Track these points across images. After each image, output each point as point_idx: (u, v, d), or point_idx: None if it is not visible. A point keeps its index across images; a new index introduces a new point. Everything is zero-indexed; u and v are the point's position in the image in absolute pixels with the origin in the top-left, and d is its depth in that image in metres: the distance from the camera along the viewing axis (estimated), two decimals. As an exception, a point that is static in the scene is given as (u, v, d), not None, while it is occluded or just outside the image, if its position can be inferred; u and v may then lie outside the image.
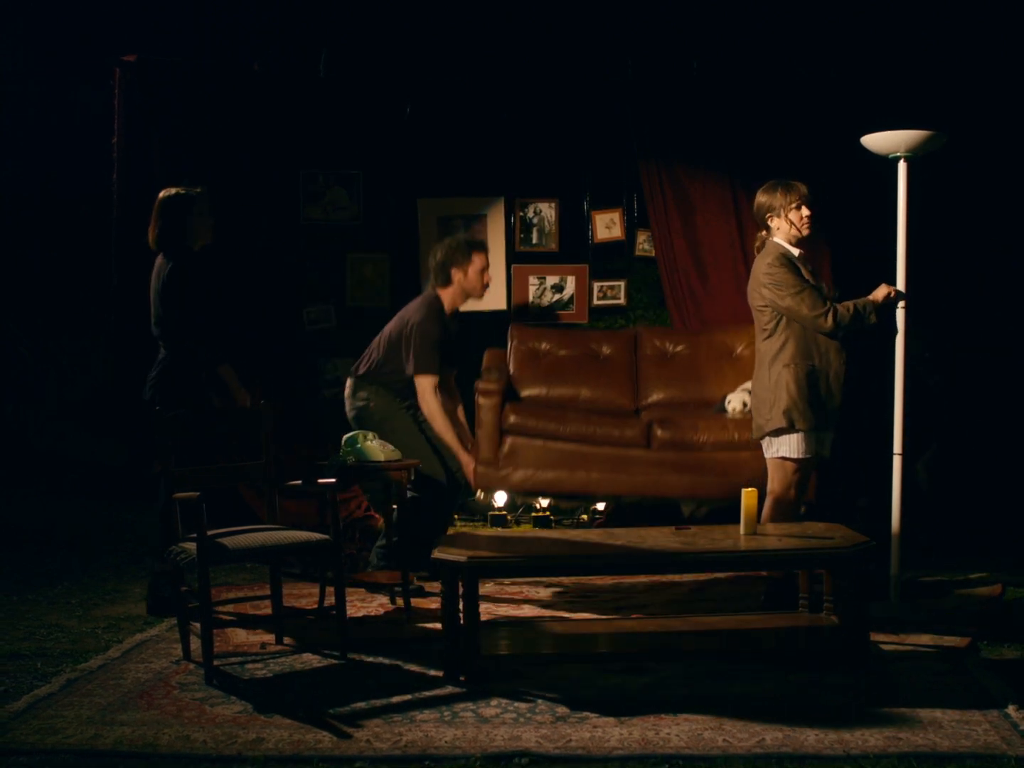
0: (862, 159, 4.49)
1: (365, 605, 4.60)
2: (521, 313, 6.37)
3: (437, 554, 3.56)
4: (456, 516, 6.01)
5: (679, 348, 5.68)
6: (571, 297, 6.43)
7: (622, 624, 4.18)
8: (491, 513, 6.14)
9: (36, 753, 2.96)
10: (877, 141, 4.29)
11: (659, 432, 5.11)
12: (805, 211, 4.30)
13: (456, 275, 5.10)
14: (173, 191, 4.54)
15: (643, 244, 6.40)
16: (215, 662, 3.62)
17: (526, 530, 5.97)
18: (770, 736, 3.01)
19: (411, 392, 5.02)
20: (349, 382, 5.12)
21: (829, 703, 3.28)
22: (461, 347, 5.28)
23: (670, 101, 6.08)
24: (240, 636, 4.13)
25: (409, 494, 4.65)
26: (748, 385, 4.64)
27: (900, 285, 4.32)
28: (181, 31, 6.16)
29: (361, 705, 3.31)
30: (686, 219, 6.09)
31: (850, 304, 4.24)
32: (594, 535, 4.03)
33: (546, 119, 6.25)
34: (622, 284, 6.45)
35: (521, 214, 6.47)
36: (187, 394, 4.37)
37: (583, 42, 6.06)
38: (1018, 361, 6.02)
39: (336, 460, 4.37)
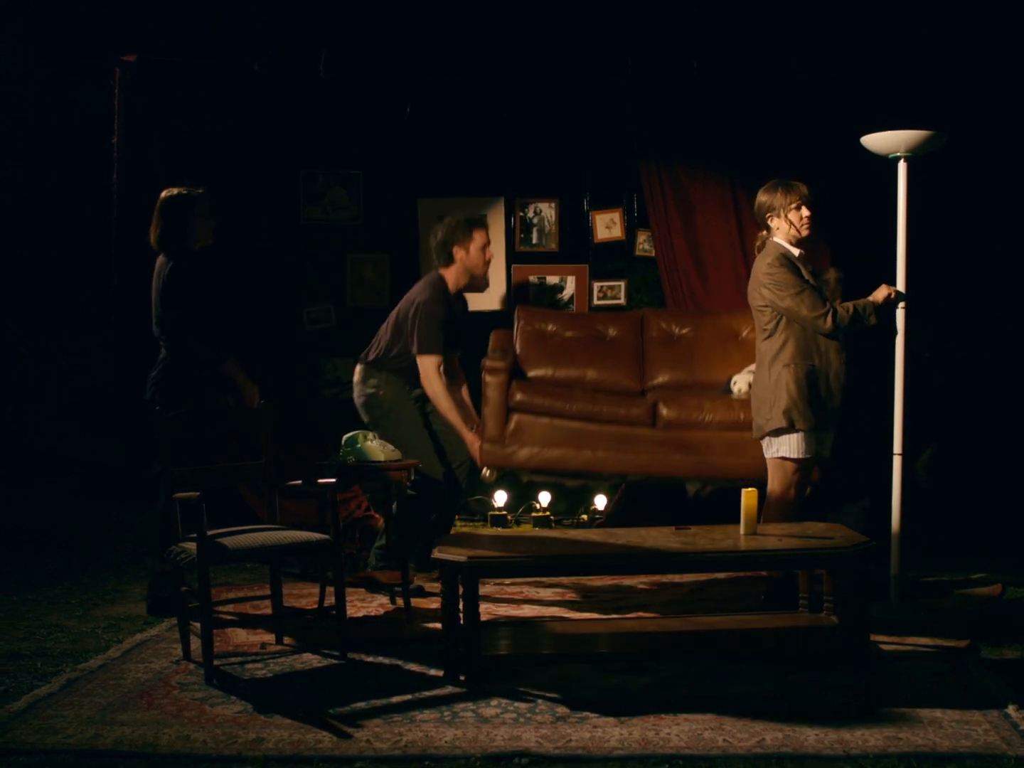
0: (862, 159, 4.50)
1: (365, 605, 4.60)
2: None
3: (437, 554, 3.56)
4: (456, 516, 6.00)
5: (685, 330, 5.63)
6: (571, 297, 6.43)
7: (622, 624, 4.18)
8: (491, 513, 6.15)
9: (36, 753, 2.96)
10: (877, 141, 4.29)
11: (664, 411, 5.10)
12: (805, 211, 4.30)
13: (458, 253, 5.06)
14: (175, 191, 4.54)
15: (643, 244, 6.39)
16: (215, 662, 3.63)
17: (526, 530, 5.97)
18: (770, 736, 3.01)
19: (419, 376, 4.99)
20: (358, 368, 5.08)
21: (829, 703, 3.28)
22: (465, 328, 5.26)
23: (670, 101, 6.08)
24: (240, 636, 4.13)
25: (408, 493, 4.64)
26: (753, 367, 4.64)
27: (900, 285, 4.32)
28: (181, 31, 6.15)
29: (361, 705, 3.31)
30: (686, 219, 6.09)
31: (850, 305, 4.25)
32: (594, 535, 4.03)
33: (546, 119, 6.25)
34: (622, 284, 6.45)
35: (521, 214, 6.46)
36: (188, 394, 4.37)
37: (583, 42, 6.05)
38: (1018, 361, 6.02)
39: (336, 460, 4.37)
